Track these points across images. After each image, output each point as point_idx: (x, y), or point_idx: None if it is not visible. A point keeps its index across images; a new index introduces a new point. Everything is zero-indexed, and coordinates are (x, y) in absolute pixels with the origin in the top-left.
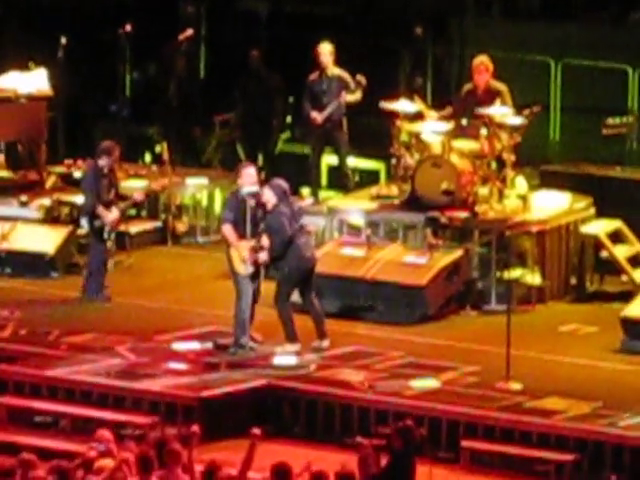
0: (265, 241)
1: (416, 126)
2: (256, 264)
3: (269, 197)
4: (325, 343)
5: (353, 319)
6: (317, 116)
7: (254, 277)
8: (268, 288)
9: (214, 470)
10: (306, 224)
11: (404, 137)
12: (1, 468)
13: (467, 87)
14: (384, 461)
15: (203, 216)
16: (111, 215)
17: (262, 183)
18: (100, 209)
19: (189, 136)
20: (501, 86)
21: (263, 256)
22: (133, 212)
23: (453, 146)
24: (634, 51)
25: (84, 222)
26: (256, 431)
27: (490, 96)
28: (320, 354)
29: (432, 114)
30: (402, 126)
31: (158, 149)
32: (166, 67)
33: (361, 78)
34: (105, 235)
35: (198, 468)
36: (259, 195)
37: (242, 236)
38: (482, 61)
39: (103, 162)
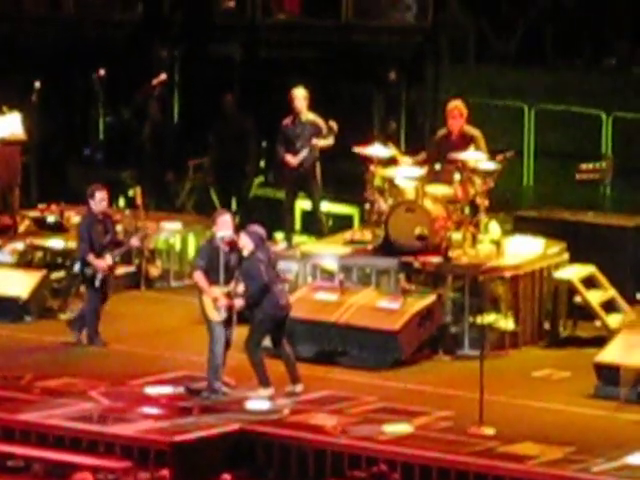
0: (241, 287)
1: (390, 171)
2: (231, 310)
3: (246, 243)
4: (298, 388)
5: (326, 364)
6: (291, 159)
7: (227, 323)
8: (240, 333)
9: None
10: (282, 271)
11: (378, 182)
12: None
13: (441, 132)
14: None
15: (176, 260)
16: (102, 262)
17: (237, 228)
18: (91, 257)
19: (162, 180)
20: (475, 131)
21: (239, 302)
22: None
23: (427, 191)
24: (607, 97)
25: (77, 268)
26: (226, 477)
27: (464, 141)
28: (293, 399)
29: (406, 159)
30: (376, 171)
31: (131, 193)
32: (139, 111)
33: (333, 124)
34: (97, 283)
35: None
36: (234, 241)
37: (215, 282)
38: (456, 106)
39: (92, 207)
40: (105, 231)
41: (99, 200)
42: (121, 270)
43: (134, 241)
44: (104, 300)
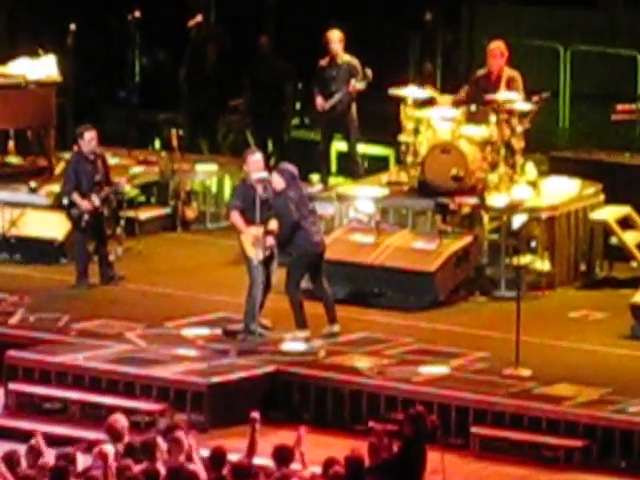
0: (273, 225)
1: (425, 112)
2: (269, 249)
3: (277, 182)
4: (336, 328)
5: (362, 305)
6: (322, 103)
7: (267, 264)
8: (281, 275)
9: (220, 456)
10: (315, 209)
11: (413, 123)
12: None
13: (481, 72)
14: (396, 447)
15: (212, 202)
16: (87, 203)
17: (271, 169)
18: (75, 196)
19: (201, 122)
20: (514, 72)
21: (270, 240)
22: (143, 198)
23: (462, 132)
24: None
25: (65, 206)
26: (255, 415)
27: (503, 82)
28: (331, 339)
29: (445, 98)
30: (411, 112)
31: (174, 133)
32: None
33: (368, 71)
34: (82, 223)
35: (205, 454)
36: (268, 181)
37: (251, 222)
38: (498, 46)
39: (82, 147)
40: (95, 171)
41: (88, 140)
42: (157, 212)
43: (122, 182)
44: (102, 241)
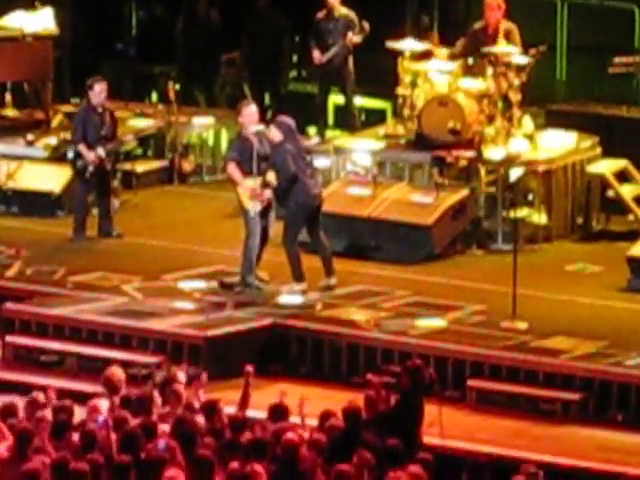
0: (270, 177)
1: (422, 65)
2: (262, 201)
3: (274, 134)
4: (333, 280)
5: (359, 258)
6: (319, 56)
7: (264, 216)
8: (276, 228)
9: (213, 407)
10: (313, 161)
11: (410, 76)
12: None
13: (478, 25)
14: (393, 400)
15: (209, 155)
16: (92, 154)
17: (269, 122)
18: (81, 147)
19: (198, 75)
20: (511, 25)
21: (268, 192)
22: (139, 151)
23: (459, 85)
24: None
25: (70, 156)
26: (249, 368)
27: (500, 34)
28: (327, 292)
29: (442, 51)
30: (408, 65)
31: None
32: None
33: (365, 24)
34: (87, 174)
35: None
36: (264, 133)
37: (248, 174)
38: None
39: (91, 99)
40: (102, 124)
41: (98, 92)
42: (154, 165)
43: (128, 137)
44: (105, 194)
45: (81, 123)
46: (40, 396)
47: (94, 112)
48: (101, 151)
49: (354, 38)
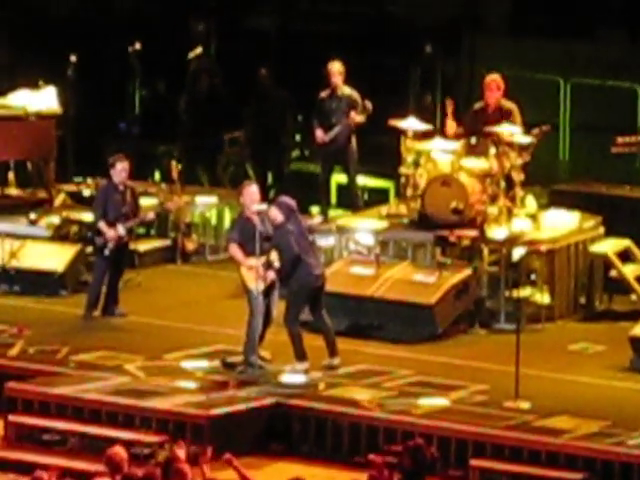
0: (273, 257)
1: (425, 145)
2: (265, 281)
3: (275, 215)
4: (336, 361)
5: (362, 338)
6: (322, 136)
7: (267, 296)
8: (281, 307)
9: None
10: (315, 241)
11: (413, 156)
12: None
13: (478, 105)
14: (396, 479)
15: (212, 234)
16: (112, 231)
17: (270, 202)
18: (102, 225)
19: (201, 154)
20: (511, 105)
21: (271, 274)
22: (142, 230)
23: (462, 165)
24: None
25: (89, 236)
26: (227, 456)
27: (500, 115)
28: (332, 372)
29: (454, 124)
30: (411, 144)
31: (174, 165)
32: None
33: (368, 103)
34: (106, 252)
35: None
36: (265, 212)
37: (251, 254)
38: (494, 79)
39: (113, 177)
40: (123, 202)
41: (120, 170)
42: (157, 244)
43: (148, 215)
44: (118, 272)
45: (102, 200)
46: (44, 476)
47: (115, 190)
48: (121, 229)
49: (357, 117)
